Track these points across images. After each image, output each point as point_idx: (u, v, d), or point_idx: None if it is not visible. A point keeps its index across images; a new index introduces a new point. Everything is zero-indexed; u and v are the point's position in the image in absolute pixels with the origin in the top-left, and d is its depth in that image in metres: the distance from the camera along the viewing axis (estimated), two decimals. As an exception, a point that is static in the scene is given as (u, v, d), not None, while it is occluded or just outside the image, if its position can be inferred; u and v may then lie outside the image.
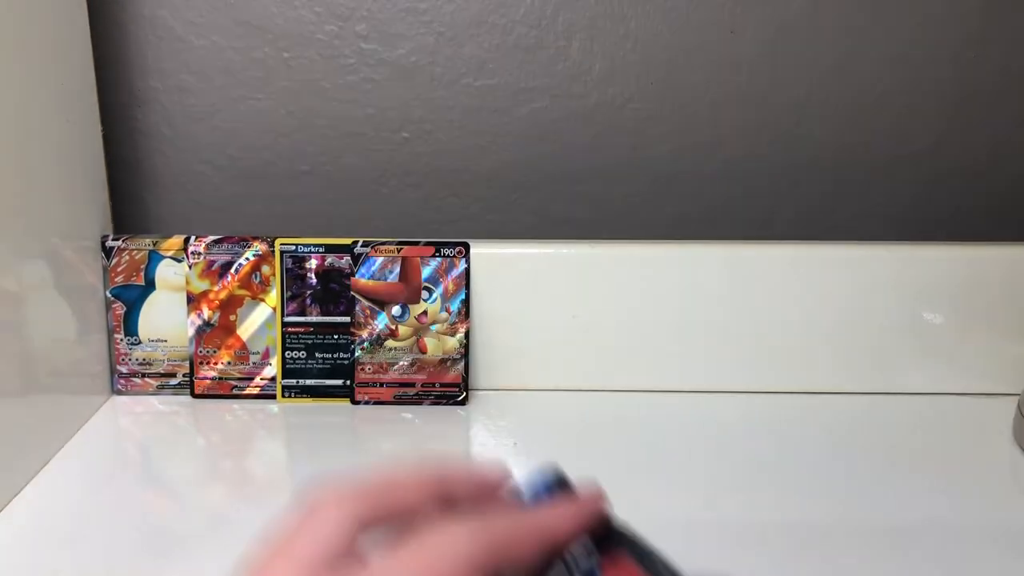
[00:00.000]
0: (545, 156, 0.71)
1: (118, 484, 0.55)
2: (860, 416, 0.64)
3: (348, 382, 0.65)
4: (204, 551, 0.48)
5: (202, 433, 0.62)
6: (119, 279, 0.65)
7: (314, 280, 0.64)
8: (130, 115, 0.70)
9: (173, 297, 0.65)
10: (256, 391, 0.65)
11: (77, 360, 0.62)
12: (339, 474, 0.29)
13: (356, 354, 0.65)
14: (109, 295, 0.65)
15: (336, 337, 0.65)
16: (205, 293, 0.65)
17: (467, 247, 0.64)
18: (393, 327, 0.64)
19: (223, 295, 0.65)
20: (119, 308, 0.65)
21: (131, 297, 0.65)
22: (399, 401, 0.65)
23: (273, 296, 0.64)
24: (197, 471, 0.57)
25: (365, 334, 0.64)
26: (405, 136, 0.71)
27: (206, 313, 0.65)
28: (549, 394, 0.67)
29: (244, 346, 0.65)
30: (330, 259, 0.64)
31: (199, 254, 0.64)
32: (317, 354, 0.65)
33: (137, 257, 0.65)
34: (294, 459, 0.59)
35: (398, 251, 0.64)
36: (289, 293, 0.64)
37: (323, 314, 0.65)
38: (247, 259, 0.64)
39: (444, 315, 0.65)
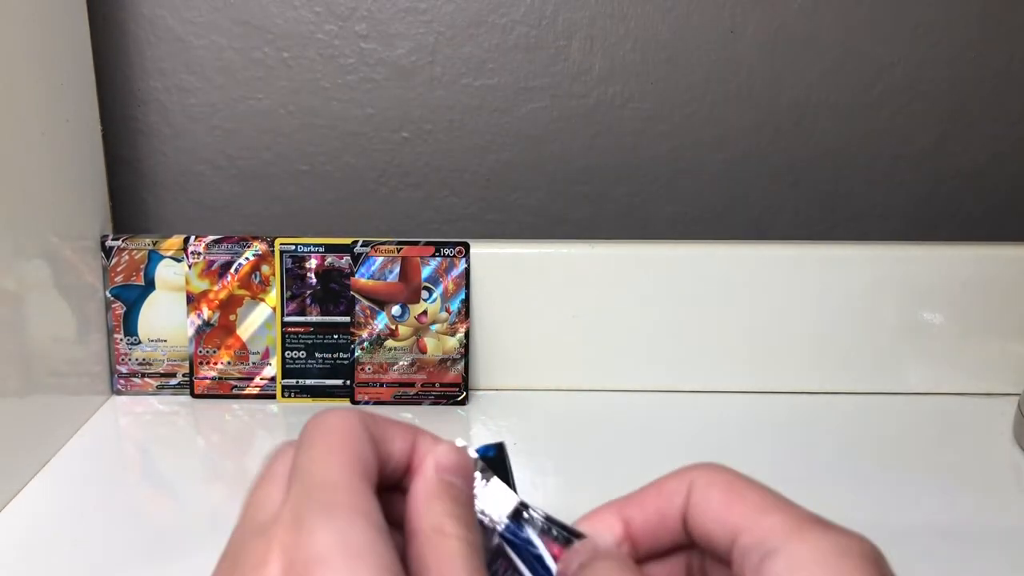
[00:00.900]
0: (545, 156, 0.71)
1: (118, 484, 0.55)
2: (860, 416, 0.64)
3: (348, 382, 0.65)
4: (204, 551, 0.48)
5: (202, 433, 0.62)
6: (119, 279, 0.65)
7: (314, 280, 0.64)
8: (130, 115, 0.70)
9: (173, 297, 0.65)
10: (256, 391, 0.65)
11: (77, 360, 0.62)
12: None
13: (356, 354, 0.65)
14: (109, 295, 0.65)
15: (336, 337, 0.65)
16: (205, 293, 0.65)
17: (467, 247, 0.64)
18: (393, 327, 0.64)
19: (223, 295, 0.65)
20: (119, 308, 0.65)
21: (131, 297, 0.65)
22: (399, 401, 0.65)
23: (273, 296, 0.64)
24: (197, 471, 0.57)
25: (365, 334, 0.64)
26: (405, 136, 0.71)
27: (206, 313, 0.65)
28: (549, 394, 0.67)
29: (244, 346, 0.65)
30: (330, 259, 0.64)
31: (199, 254, 0.64)
32: (317, 354, 0.65)
33: (137, 257, 0.64)
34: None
35: (398, 251, 0.64)
36: (289, 293, 0.64)
37: (323, 314, 0.64)
38: (247, 259, 0.64)
39: (444, 315, 0.64)
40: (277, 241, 0.64)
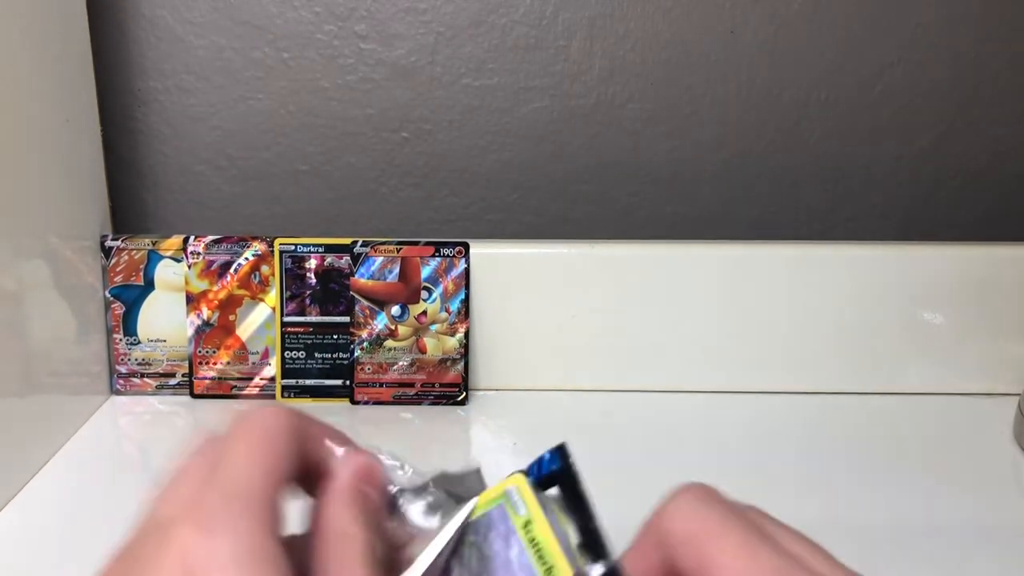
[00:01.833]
0: (545, 156, 0.71)
1: (117, 484, 0.55)
2: (860, 416, 0.64)
3: (348, 382, 0.65)
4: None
5: (202, 433, 0.62)
6: (118, 279, 0.65)
7: (313, 280, 0.64)
8: (130, 115, 0.70)
9: (172, 297, 0.65)
10: (255, 391, 0.65)
11: (76, 360, 0.62)
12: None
13: (355, 354, 0.65)
14: (108, 295, 0.65)
15: (335, 337, 0.65)
16: (204, 293, 0.65)
17: (467, 247, 0.64)
18: (392, 327, 0.64)
19: (222, 295, 0.65)
20: (118, 308, 0.65)
21: (130, 297, 0.65)
22: (399, 401, 0.65)
23: (272, 296, 0.64)
24: (196, 471, 0.57)
25: (364, 334, 0.64)
26: (405, 136, 0.71)
27: (205, 313, 0.65)
28: (549, 394, 0.67)
29: (243, 346, 0.65)
30: (329, 259, 0.64)
31: (198, 254, 0.64)
32: (316, 354, 0.65)
33: (136, 257, 0.64)
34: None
35: (397, 251, 0.64)
36: (288, 293, 0.64)
37: (322, 314, 0.64)
38: (246, 259, 0.64)
39: (444, 315, 0.64)
40: (277, 241, 0.64)
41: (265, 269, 0.64)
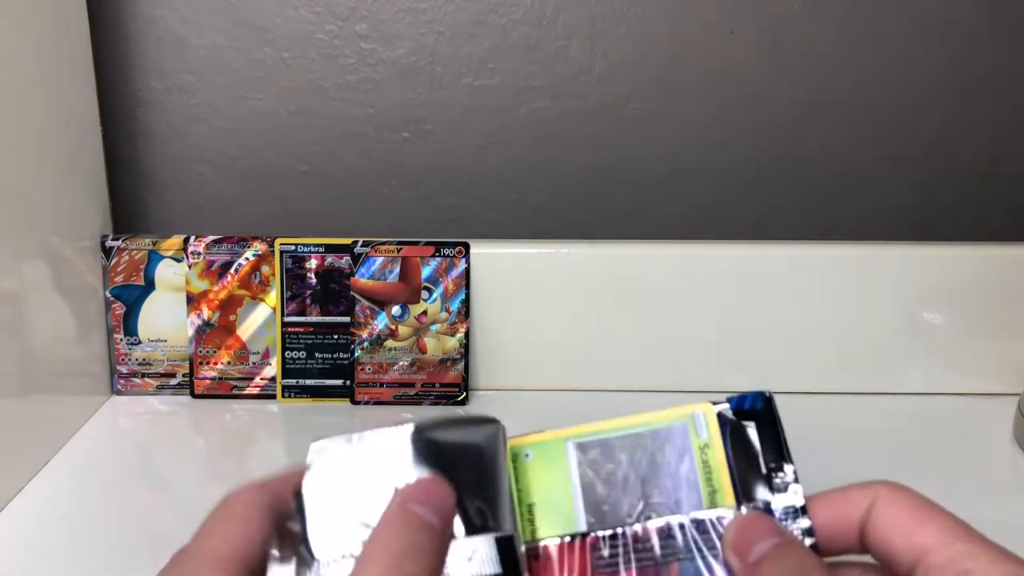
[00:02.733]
0: (545, 156, 0.71)
1: (118, 484, 0.55)
2: (860, 416, 0.64)
3: (348, 382, 0.65)
4: (204, 551, 0.48)
5: (202, 433, 0.62)
6: (119, 279, 0.65)
7: (314, 280, 0.64)
8: (130, 115, 0.70)
9: (173, 297, 0.65)
10: (256, 391, 0.65)
11: (77, 360, 0.62)
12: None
13: (356, 354, 0.65)
14: (109, 295, 0.65)
15: (336, 337, 0.65)
16: (205, 293, 0.65)
17: (467, 247, 0.64)
18: (393, 327, 0.64)
19: (223, 295, 0.65)
20: (119, 308, 0.65)
21: (131, 297, 0.65)
22: (399, 401, 0.65)
23: (273, 296, 0.64)
24: (197, 471, 0.57)
25: (365, 334, 0.64)
26: (405, 136, 0.71)
27: (206, 313, 0.65)
28: (549, 394, 0.67)
29: (244, 346, 0.65)
30: (330, 259, 0.64)
31: (199, 254, 0.64)
32: (317, 354, 0.65)
33: (137, 257, 0.64)
34: (294, 459, 0.59)
35: (398, 251, 0.64)
36: (289, 293, 0.64)
37: (323, 314, 0.64)
38: (247, 259, 0.64)
39: (444, 315, 0.64)
40: (277, 241, 0.64)
41: (265, 269, 0.64)
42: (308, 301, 0.64)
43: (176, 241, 0.64)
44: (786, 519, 0.28)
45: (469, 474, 0.27)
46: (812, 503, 0.28)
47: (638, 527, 0.28)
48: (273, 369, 0.65)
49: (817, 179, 0.72)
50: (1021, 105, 0.70)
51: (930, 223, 0.73)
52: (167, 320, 0.65)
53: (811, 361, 0.67)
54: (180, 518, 0.51)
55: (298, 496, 0.27)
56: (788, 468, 0.30)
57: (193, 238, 0.64)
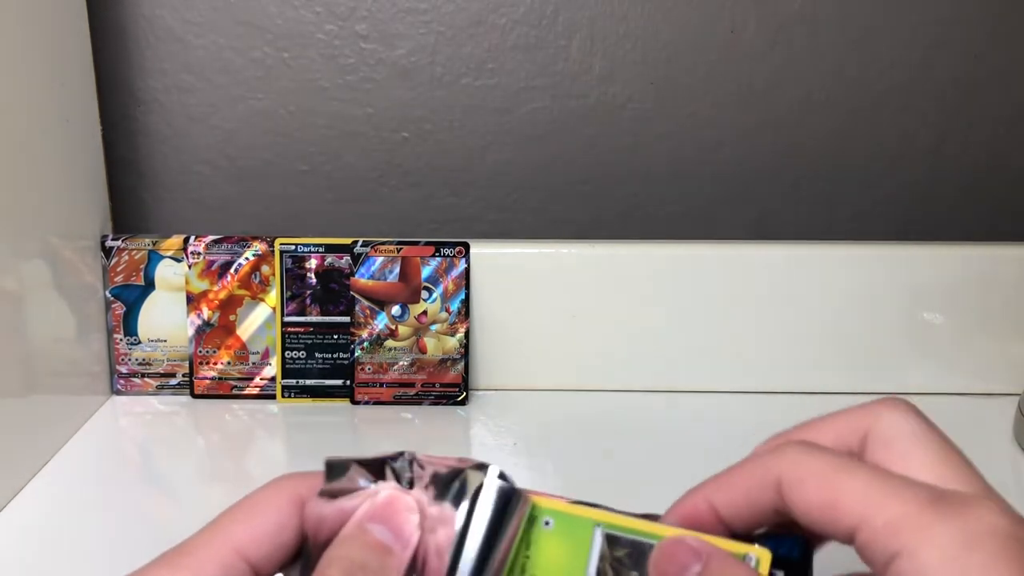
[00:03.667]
0: (545, 156, 0.71)
1: (118, 484, 0.55)
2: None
3: (348, 382, 0.65)
4: (204, 551, 0.48)
5: (202, 433, 0.62)
6: (118, 279, 0.65)
7: (314, 280, 0.64)
8: (130, 115, 0.70)
9: (173, 297, 0.65)
10: (256, 391, 0.65)
11: (76, 360, 0.62)
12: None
13: (356, 354, 0.65)
14: (108, 295, 0.65)
15: (336, 337, 0.65)
16: (205, 293, 0.65)
17: (467, 247, 0.64)
18: (393, 327, 0.64)
19: (223, 295, 0.65)
20: (119, 308, 0.65)
21: (131, 297, 0.65)
22: (399, 401, 0.65)
23: (273, 296, 0.64)
24: (197, 471, 0.57)
25: (365, 334, 0.64)
26: (405, 136, 0.71)
27: (206, 313, 0.65)
28: (549, 394, 0.67)
29: (244, 346, 0.65)
30: (330, 259, 0.64)
31: (199, 254, 0.64)
32: (317, 354, 0.65)
33: (136, 257, 0.64)
34: (294, 459, 0.59)
35: (398, 251, 0.64)
36: (289, 293, 0.64)
37: (323, 314, 0.64)
38: (247, 259, 0.64)
39: (444, 315, 0.64)
40: (277, 241, 0.64)
41: (265, 269, 0.64)
42: (308, 301, 0.64)
43: (176, 241, 0.64)
44: None
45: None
46: (717, 485, 0.27)
47: None
48: (273, 369, 0.65)
49: (816, 179, 0.72)
50: (1021, 105, 0.70)
51: (930, 223, 0.73)
52: (167, 320, 0.65)
53: (811, 361, 0.67)
54: (180, 518, 0.51)
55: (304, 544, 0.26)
56: None
57: (193, 238, 0.64)
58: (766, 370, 0.67)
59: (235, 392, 0.65)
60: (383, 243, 0.64)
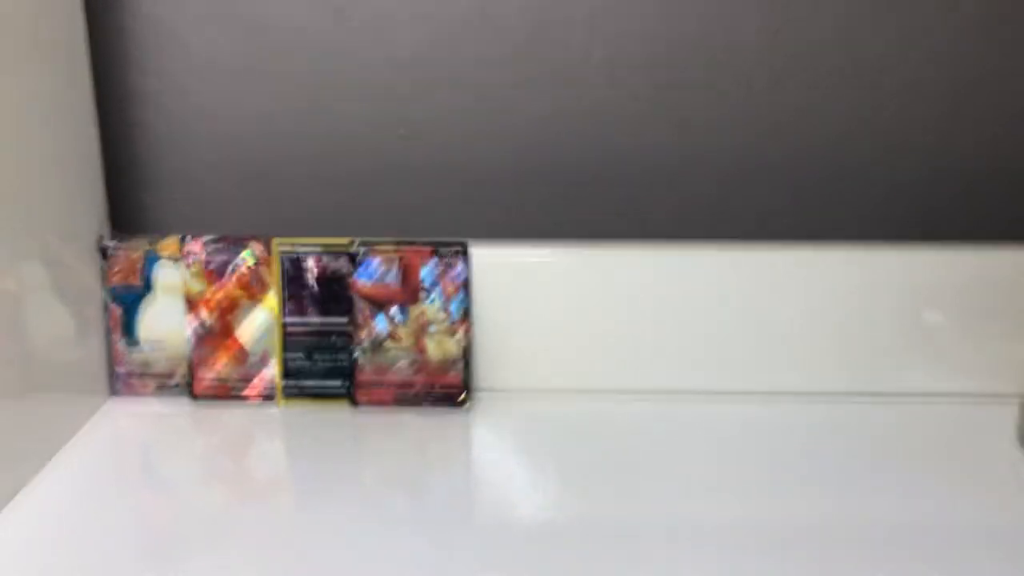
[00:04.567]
0: (545, 156, 0.71)
1: (116, 485, 0.55)
2: (861, 417, 0.64)
3: (348, 384, 0.65)
4: (203, 553, 0.48)
5: (201, 435, 0.62)
6: (117, 280, 0.64)
7: (313, 281, 0.64)
8: (128, 115, 0.70)
9: (171, 298, 0.65)
10: (255, 393, 0.65)
11: (75, 361, 0.61)
12: None
13: (356, 356, 0.64)
14: (107, 296, 0.64)
15: (335, 339, 0.64)
16: (203, 294, 0.64)
17: (466, 247, 0.64)
18: (392, 328, 0.64)
19: (221, 296, 0.64)
20: (117, 309, 0.65)
21: (129, 298, 0.65)
22: (399, 402, 0.65)
23: (272, 298, 0.64)
24: (196, 473, 0.57)
25: (364, 335, 0.64)
26: (405, 136, 0.70)
27: (204, 315, 0.64)
28: (549, 394, 0.67)
29: (242, 348, 0.65)
30: (329, 260, 0.64)
31: (197, 255, 0.64)
32: (316, 356, 0.64)
33: (135, 258, 0.64)
34: (294, 461, 0.59)
35: (397, 252, 0.64)
36: (288, 294, 0.64)
37: (322, 315, 0.64)
38: (245, 260, 0.64)
39: (443, 316, 0.64)
40: (276, 242, 0.64)
41: (264, 270, 0.64)
42: (307, 302, 0.64)
43: (174, 242, 0.64)
44: None
45: None
46: None
47: None
48: (272, 371, 0.65)
49: (817, 179, 0.72)
50: (1021, 105, 0.70)
51: (930, 223, 0.73)
52: (165, 322, 0.65)
53: (812, 362, 0.67)
54: (178, 519, 0.51)
55: None
56: None
57: (191, 239, 0.64)
58: (766, 370, 0.67)
59: (235, 394, 0.65)
60: (382, 243, 0.64)
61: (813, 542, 0.49)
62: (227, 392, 0.65)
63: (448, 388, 0.65)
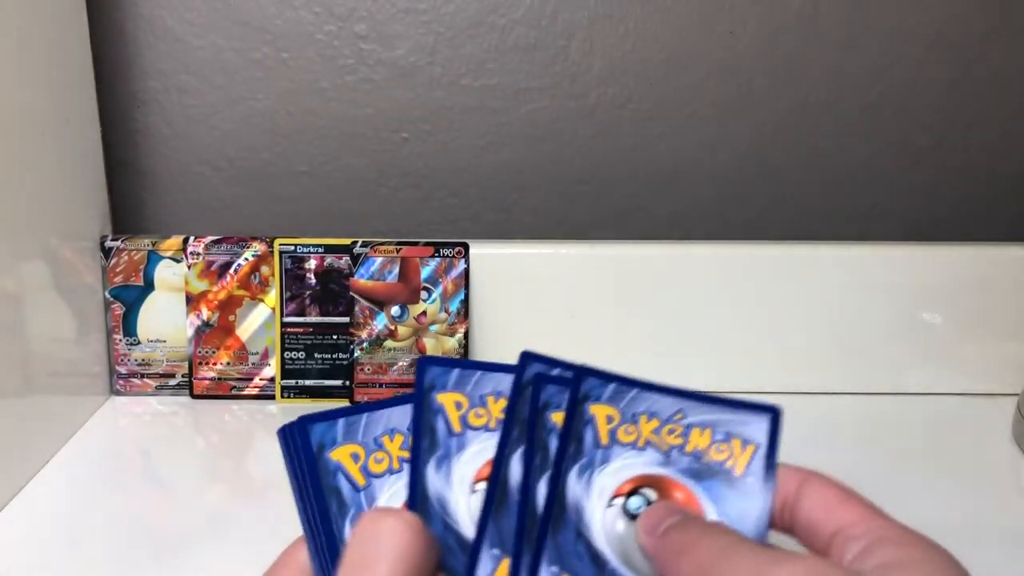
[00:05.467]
0: (545, 156, 0.71)
1: (117, 484, 0.55)
2: (860, 417, 0.64)
3: (347, 383, 0.65)
4: (203, 552, 0.48)
5: (201, 433, 0.62)
6: (118, 279, 0.65)
7: (313, 281, 0.64)
8: (129, 116, 0.70)
9: (172, 297, 0.65)
10: (255, 392, 0.65)
11: (76, 360, 0.62)
12: None
13: (355, 355, 0.65)
14: (108, 295, 0.65)
15: (335, 337, 0.65)
16: (204, 293, 0.65)
17: (466, 247, 0.64)
18: (392, 327, 0.64)
19: (222, 295, 0.65)
20: (118, 308, 0.65)
21: (130, 297, 0.65)
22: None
23: (272, 296, 0.64)
24: (196, 471, 0.57)
25: (364, 335, 0.64)
26: (404, 136, 0.71)
27: (205, 313, 0.65)
28: (549, 394, 0.67)
29: (243, 347, 0.65)
30: (329, 259, 0.64)
31: (198, 254, 0.64)
32: (316, 355, 0.65)
33: (136, 257, 0.64)
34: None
35: (397, 251, 0.64)
36: (288, 293, 0.64)
37: (322, 314, 0.64)
38: (246, 259, 0.64)
39: (443, 315, 0.64)
40: (276, 242, 0.64)
41: (265, 269, 0.64)
42: (307, 301, 0.64)
43: (175, 241, 0.64)
44: None
45: None
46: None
47: None
48: (272, 370, 0.65)
49: (816, 180, 0.72)
50: (1021, 105, 0.70)
51: (930, 223, 0.73)
52: (166, 320, 0.65)
53: (811, 361, 0.67)
54: (179, 518, 0.51)
55: None
56: None
57: (192, 238, 0.64)
58: (766, 370, 0.67)
59: (234, 392, 0.65)
60: (382, 243, 0.64)
61: (811, 541, 0.49)
62: (227, 391, 0.65)
63: (448, 387, 0.65)
